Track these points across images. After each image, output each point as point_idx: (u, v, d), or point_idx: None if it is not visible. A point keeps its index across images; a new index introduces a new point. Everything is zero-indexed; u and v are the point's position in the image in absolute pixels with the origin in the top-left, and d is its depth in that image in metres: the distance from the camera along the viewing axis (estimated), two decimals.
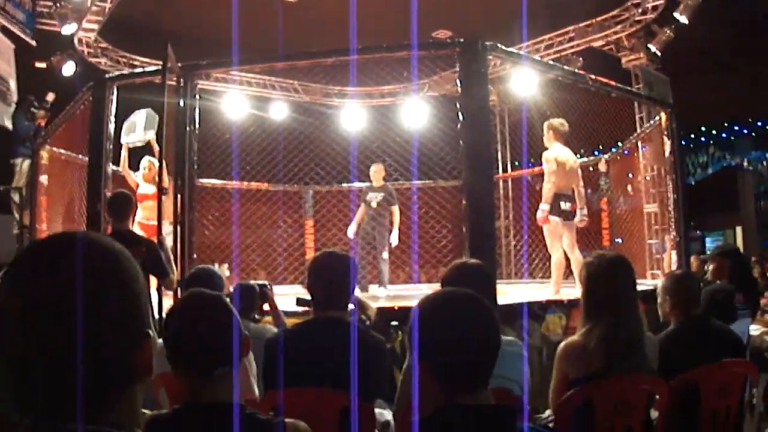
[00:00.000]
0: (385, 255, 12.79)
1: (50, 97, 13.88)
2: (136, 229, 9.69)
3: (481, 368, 2.41)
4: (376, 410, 4.25)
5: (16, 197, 13.37)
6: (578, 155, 11.89)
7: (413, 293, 11.63)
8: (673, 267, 11.00)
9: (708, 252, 17.97)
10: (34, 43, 11.89)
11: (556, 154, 10.00)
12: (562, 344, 4.28)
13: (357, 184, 14.55)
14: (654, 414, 4.33)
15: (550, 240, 9.98)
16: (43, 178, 12.49)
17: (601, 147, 14.30)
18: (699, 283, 5.48)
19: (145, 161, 11.35)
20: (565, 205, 9.89)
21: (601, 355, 4.05)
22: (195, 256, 8.53)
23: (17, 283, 1.37)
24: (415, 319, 2.49)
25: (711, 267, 7.96)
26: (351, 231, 13.20)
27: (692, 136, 25.74)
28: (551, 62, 12.87)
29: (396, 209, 13.00)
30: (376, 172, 13.19)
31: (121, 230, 7.44)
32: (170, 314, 2.81)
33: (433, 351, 2.41)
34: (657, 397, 4.28)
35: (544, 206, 9.82)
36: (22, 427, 1.36)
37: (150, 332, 1.50)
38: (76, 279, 1.34)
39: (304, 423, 2.64)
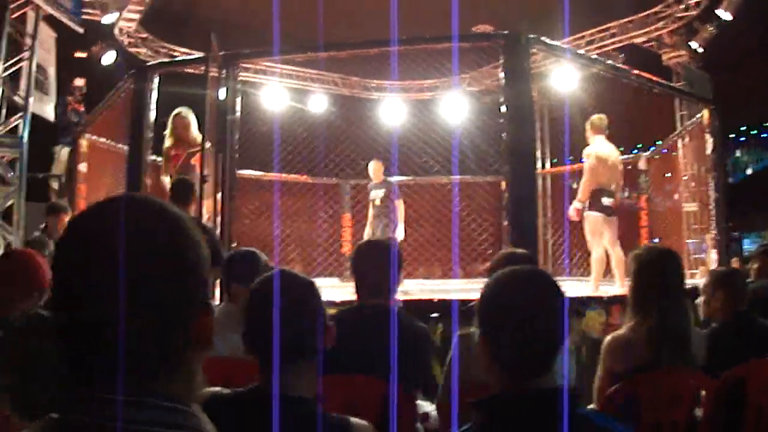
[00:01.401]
0: None
1: (78, 82, 13.87)
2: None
3: (550, 351, 2.32)
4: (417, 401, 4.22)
5: (54, 185, 13.43)
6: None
7: (451, 288, 11.57)
8: (713, 266, 10.88)
9: (746, 253, 17.82)
10: (81, 30, 11.95)
11: (597, 149, 9.92)
12: (609, 338, 4.23)
13: (395, 178, 14.49)
14: (698, 411, 4.28)
15: (590, 236, 9.88)
16: (82, 166, 12.52)
17: (640, 145, 14.20)
18: (745, 281, 5.42)
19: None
20: (607, 201, 9.73)
21: (649, 349, 4.00)
22: (235, 243, 8.54)
23: (68, 245, 1.33)
24: (485, 300, 2.42)
25: (755, 266, 7.86)
26: (367, 235, 13.04)
27: (732, 135, 25.53)
28: (594, 56, 12.76)
29: (400, 203, 12.88)
30: (375, 169, 13.17)
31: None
32: (256, 293, 2.66)
33: (502, 334, 2.33)
34: (703, 393, 4.23)
35: (577, 203, 9.79)
36: (55, 403, 1.32)
37: (210, 303, 1.44)
38: (131, 237, 1.29)
39: (367, 423, 2.60)
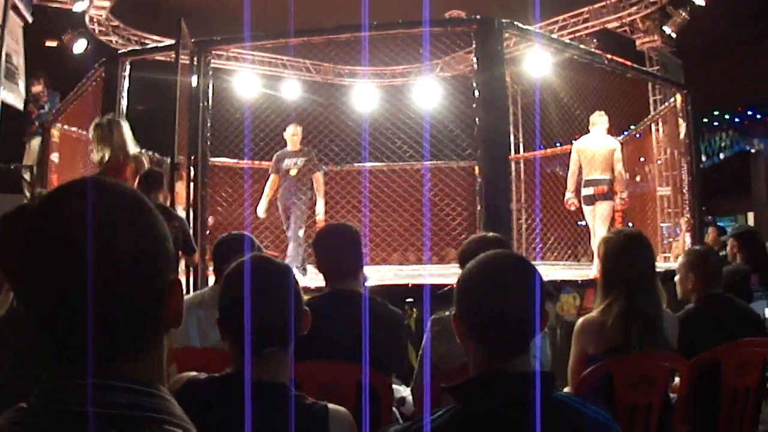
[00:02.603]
0: (301, 233, 10.84)
1: (36, 89, 13.63)
2: None
3: (527, 332, 2.36)
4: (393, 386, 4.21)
5: (26, 176, 13.32)
6: None
7: (426, 273, 11.56)
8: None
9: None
10: (30, 19, 11.83)
11: (579, 144, 10.51)
12: (580, 321, 4.23)
13: (368, 164, 14.44)
14: (673, 395, 4.30)
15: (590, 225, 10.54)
16: (54, 156, 12.44)
17: (613, 130, 14.23)
18: (721, 260, 5.45)
19: None
20: (586, 191, 10.24)
21: (620, 331, 4.00)
22: (208, 232, 8.51)
23: (27, 226, 1.30)
24: (464, 283, 2.45)
25: (729, 248, 7.94)
26: (261, 210, 11.48)
27: (705, 120, 25.66)
28: (567, 41, 12.77)
29: (320, 176, 11.27)
30: (294, 134, 11.36)
31: (154, 203, 7.43)
32: (231, 276, 2.61)
33: (482, 315, 2.35)
34: (677, 378, 4.24)
35: (567, 193, 10.42)
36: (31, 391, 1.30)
37: (179, 279, 1.43)
38: (92, 216, 1.27)
39: (344, 409, 2.58)
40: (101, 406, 1.23)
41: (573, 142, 10.76)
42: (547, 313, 2.47)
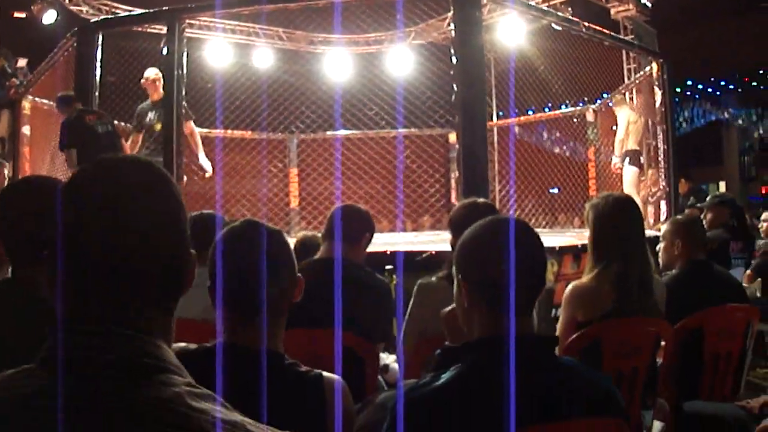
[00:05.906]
0: None
1: (21, 63, 13.57)
2: None
3: (533, 293, 2.42)
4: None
5: None
6: (563, 105, 13.84)
7: (401, 240, 11.55)
8: (662, 218, 11.08)
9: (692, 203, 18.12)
10: None
11: (630, 118, 12.24)
12: (571, 286, 4.19)
13: (342, 132, 14.35)
14: (659, 358, 4.30)
15: (630, 188, 11.64)
16: (26, 129, 12.29)
17: (586, 98, 14.22)
18: (704, 229, 5.50)
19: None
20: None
21: (613, 297, 3.98)
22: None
23: (79, 199, 1.40)
24: (468, 246, 2.48)
25: (708, 216, 8.00)
26: None
27: (678, 90, 25.80)
28: (545, 8, 12.73)
29: (192, 126, 10.21)
30: (156, 80, 9.62)
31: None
32: (220, 244, 2.55)
33: (485, 277, 2.38)
34: (662, 342, 4.25)
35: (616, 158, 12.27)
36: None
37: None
38: (131, 186, 1.42)
39: (338, 377, 2.54)
40: (111, 354, 1.29)
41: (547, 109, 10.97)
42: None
